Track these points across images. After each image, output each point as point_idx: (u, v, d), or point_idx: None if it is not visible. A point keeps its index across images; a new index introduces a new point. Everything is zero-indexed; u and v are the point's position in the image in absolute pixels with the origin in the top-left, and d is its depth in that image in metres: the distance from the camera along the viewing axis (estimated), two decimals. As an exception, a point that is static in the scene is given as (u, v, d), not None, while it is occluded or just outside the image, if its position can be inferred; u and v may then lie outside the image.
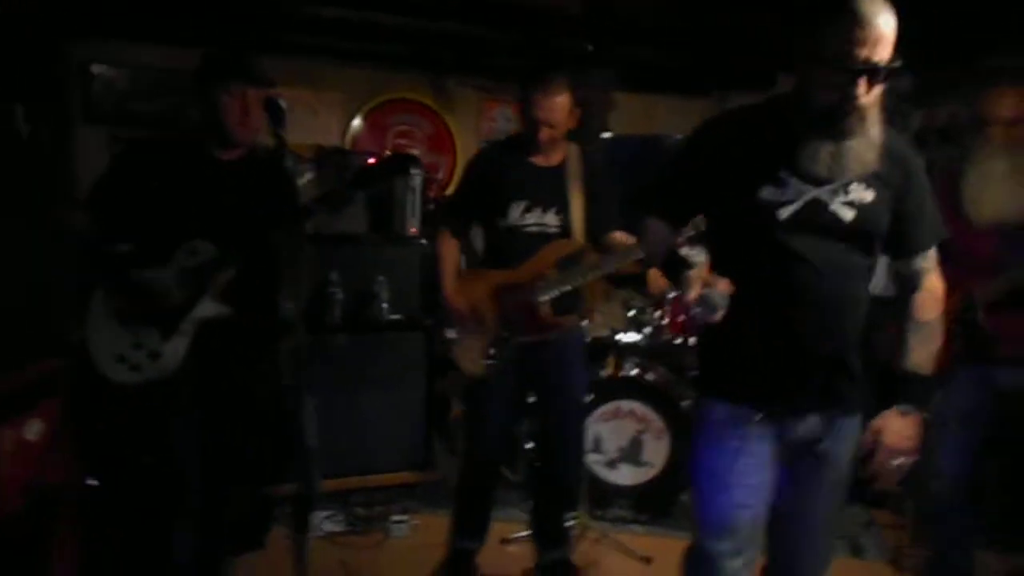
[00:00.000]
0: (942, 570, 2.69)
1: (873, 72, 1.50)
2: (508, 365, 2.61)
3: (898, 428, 1.64)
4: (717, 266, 1.65)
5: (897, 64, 1.53)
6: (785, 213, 1.59)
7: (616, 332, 3.60)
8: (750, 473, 1.69)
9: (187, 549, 2.32)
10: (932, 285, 1.75)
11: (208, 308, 2.22)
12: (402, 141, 4.39)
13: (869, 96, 1.53)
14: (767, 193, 1.60)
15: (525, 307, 2.56)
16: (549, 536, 2.82)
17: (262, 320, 2.27)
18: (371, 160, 3.58)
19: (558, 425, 2.74)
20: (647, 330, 3.59)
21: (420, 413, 3.50)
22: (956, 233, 2.51)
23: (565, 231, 2.59)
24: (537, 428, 2.95)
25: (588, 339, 3.46)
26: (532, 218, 2.57)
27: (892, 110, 3.92)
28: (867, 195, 1.61)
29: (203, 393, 2.29)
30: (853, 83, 1.50)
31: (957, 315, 2.49)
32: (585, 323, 3.52)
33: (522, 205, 2.56)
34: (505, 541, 3.00)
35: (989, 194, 2.41)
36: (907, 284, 1.75)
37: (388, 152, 4.30)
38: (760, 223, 1.61)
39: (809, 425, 1.69)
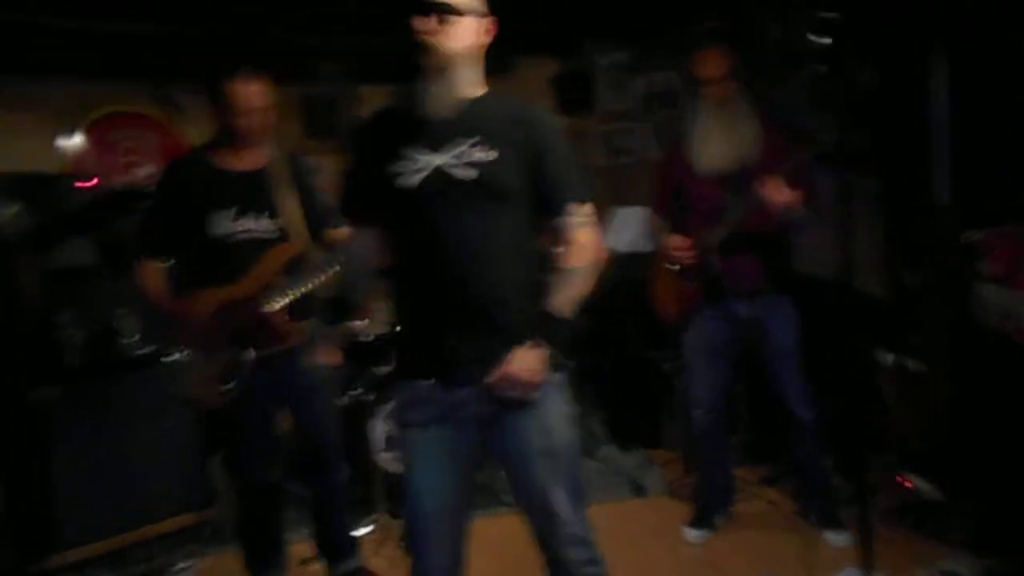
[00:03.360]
0: (707, 489, 2.99)
1: (432, 8, 1.62)
2: (253, 384, 2.43)
3: (522, 359, 1.65)
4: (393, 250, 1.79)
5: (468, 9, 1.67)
6: (416, 180, 1.69)
7: (396, 327, 3.56)
8: (429, 453, 1.71)
9: None
10: (580, 238, 1.76)
11: None
12: (131, 158, 3.97)
13: (437, 35, 1.64)
14: (401, 166, 1.70)
15: (258, 320, 2.38)
16: (335, 547, 2.74)
17: None
18: (90, 183, 3.23)
19: (314, 432, 2.64)
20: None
21: (192, 449, 3.24)
22: (690, 185, 2.77)
23: (283, 236, 2.46)
24: (296, 441, 2.77)
25: (371, 338, 3.41)
26: (242, 225, 2.40)
27: (615, 81, 4.24)
28: (489, 155, 1.68)
29: None
30: (419, 18, 1.63)
31: (696, 260, 2.75)
32: (366, 322, 3.47)
33: (228, 213, 2.39)
34: (304, 561, 2.87)
35: (706, 147, 2.69)
36: (561, 238, 1.78)
37: (117, 180, 3.85)
38: (399, 194, 1.70)
39: (473, 394, 1.70)
